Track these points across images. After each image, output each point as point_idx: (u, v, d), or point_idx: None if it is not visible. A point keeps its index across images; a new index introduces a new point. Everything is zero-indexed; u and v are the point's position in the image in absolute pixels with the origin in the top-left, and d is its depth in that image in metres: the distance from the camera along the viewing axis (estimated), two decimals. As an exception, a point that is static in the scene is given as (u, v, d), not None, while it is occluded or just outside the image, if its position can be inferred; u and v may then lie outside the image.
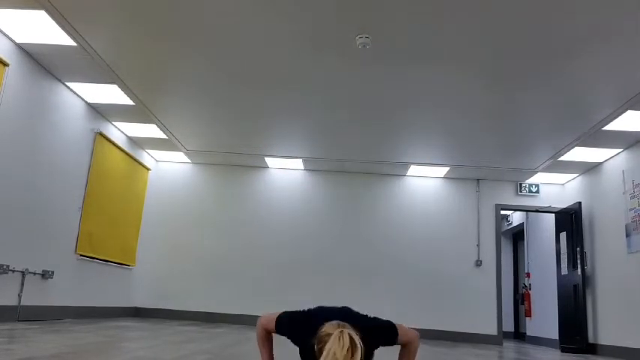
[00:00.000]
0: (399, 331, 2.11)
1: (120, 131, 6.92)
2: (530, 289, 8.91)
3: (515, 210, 8.44)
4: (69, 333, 3.96)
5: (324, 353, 1.68)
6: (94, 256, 6.29)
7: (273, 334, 2.19)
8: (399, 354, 2.18)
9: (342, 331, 1.73)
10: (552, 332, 7.76)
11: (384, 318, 2.14)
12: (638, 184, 5.92)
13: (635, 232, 5.88)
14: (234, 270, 7.82)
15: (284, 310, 2.20)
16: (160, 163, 8.27)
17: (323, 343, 1.75)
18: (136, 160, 7.37)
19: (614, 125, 5.54)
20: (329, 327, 1.79)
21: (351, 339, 1.71)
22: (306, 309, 2.16)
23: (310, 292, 7.66)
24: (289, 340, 2.06)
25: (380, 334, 2.07)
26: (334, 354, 1.67)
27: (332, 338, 1.71)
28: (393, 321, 2.12)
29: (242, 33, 4.23)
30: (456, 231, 7.89)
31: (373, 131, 6.35)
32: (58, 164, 5.48)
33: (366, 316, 2.12)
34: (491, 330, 7.49)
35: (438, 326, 7.51)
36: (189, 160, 8.15)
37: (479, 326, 7.50)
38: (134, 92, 5.63)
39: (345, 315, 2.01)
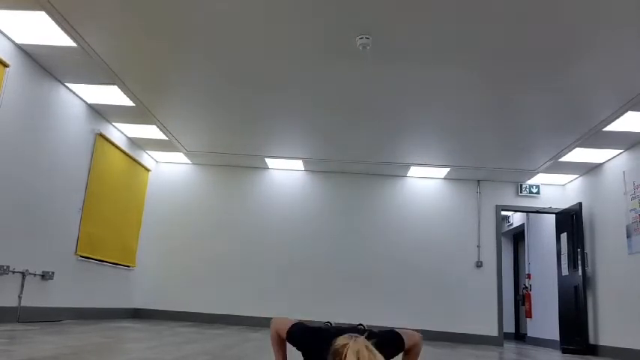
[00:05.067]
0: (405, 337, 2.13)
1: (120, 132, 6.92)
2: (530, 289, 8.91)
3: (516, 211, 8.44)
4: (69, 334, 3.96)
5: None
6: (94, 257, 6.29)
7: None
8: (402, 356, 2.17)
9: (356, 340, 1.69)
10: (553, 333, 7.75)
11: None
12: (638, 185, 5.91)
13: (636, 233, 5.87)
14: (234, 271, 7.81)
15: (296, 320, 2.18)
16: (160, 164, 8.27)
17: (340, 355, 1.72)
18: (136, 161, 7.37)
19: (615, 126, 5.53)
20: (342, 339, 1.76)
21: (367, 347, 1.68)
22: (317, 325, 2.14)
23: (310, 292, 7.66)
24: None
25: (389, 344, 2.06)
26: None
27: (349, 349, 1.67)
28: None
29: (242, 34, 4.22)
30: (456, 232, 7.89)
31: (374, 132, 6.34)
32: (58, 165, 5.47)
33: (372, 330, 2.11)
34: (492, 331, 7.48)
35: (438, 327, 7.50)
36: (189, 161, 8.15)
37: (479, 327, 7.49)
38: (134, 93, 5.64)
39: (355, 330, 1.99)
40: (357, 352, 1.63)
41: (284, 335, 2.13)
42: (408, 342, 2.13)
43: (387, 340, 2.08)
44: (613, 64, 4.28)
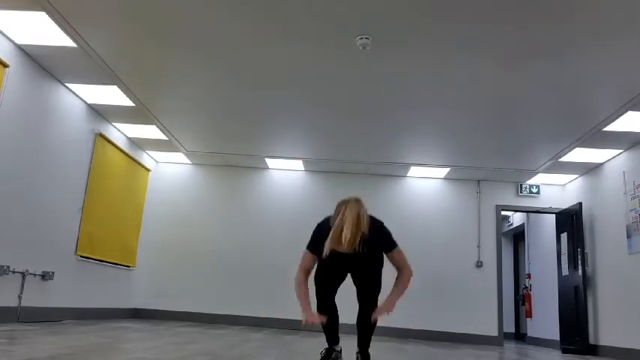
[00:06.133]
0: (398, 250, 2.83)
1: (120, 132, 6.92)
2: (530, 289, 8.91)
3: (516, 211, 8.44)
4: (69, 334, 3.96)
5: (340, 215, 2.51)
6: (94, 257, 6.29)
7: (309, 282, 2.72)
8: (395, 281, 2.76)
9: (357, 200, 2.45)
10: (553, 333, 7.75)
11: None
12: (638, 185, 5.91)
13: (636, 233, 5.87)
14: (234, 271, 7.81)
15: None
16: (160, 164, 8.27)
17: (339, 209, 2.57)
18: (136, 161, 7.37)
19: (615, 126, 5.53)
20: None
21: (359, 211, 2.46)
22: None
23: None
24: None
25: (383, 236, 2.71)
26: (344, 215, 2.43)
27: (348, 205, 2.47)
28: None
29: (242, 34, 4.22)
30: (456, 232, 7.89)
31: (374, 132, 6.35)
32: (58, 165, 5.48)
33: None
34: (492, 331, 7.48)
35: (438, 327, 7.50)
36: (189, 161, 8.15)
37: (479, 327, 7.49)
38: (134, 93, 5.64)
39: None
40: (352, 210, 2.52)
41: (309, 259, 2.83)
42: (398, 255, 2.80)
43: (386, 233, 2.80)
44: (613, 64, 4.28)
